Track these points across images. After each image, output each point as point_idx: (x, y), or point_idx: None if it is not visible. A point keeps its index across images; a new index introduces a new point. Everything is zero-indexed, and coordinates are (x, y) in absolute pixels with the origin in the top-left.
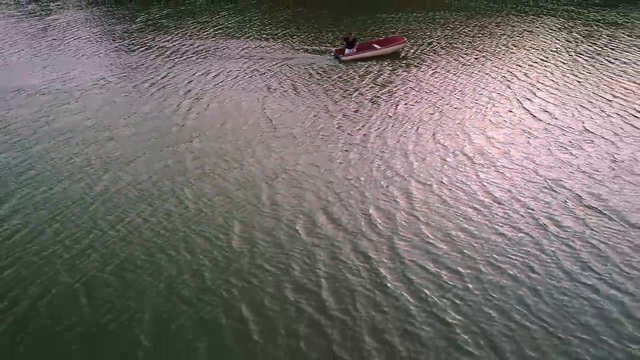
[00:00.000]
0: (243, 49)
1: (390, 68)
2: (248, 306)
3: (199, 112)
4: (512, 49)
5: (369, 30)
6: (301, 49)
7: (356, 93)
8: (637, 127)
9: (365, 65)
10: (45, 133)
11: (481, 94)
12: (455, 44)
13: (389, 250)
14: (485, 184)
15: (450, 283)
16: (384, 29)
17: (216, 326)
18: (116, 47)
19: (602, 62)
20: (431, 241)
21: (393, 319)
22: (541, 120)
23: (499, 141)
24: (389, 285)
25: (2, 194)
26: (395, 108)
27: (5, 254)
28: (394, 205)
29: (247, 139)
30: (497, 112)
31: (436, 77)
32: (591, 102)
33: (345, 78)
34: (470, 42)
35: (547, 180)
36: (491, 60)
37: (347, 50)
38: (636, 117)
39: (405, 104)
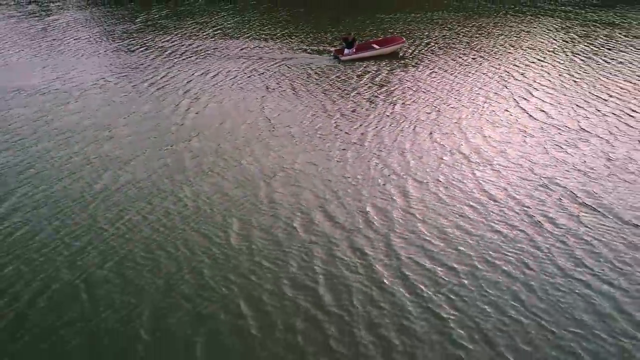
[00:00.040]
0: (242, 49)
1: (388, 68)
2: (246, 302)
3: (197, 111)
4: (509, 49)
5: (367, 30)
6: (300, 49)
7: (354, 93)
8: (632, 126)
9: (364, 65)
10: (45, 132)
11: (478, 94)
12: (453, 44)
13: (386, 247)
14: (481, 182)
15: (446, 279)
16: (383, 29)
17: (215, 321)
18: (116, 47)
19: (598, 62)
20: (427, 238)
21: (389, 314)
22: (537, 120)
23: (496, 140)
24: (385, 281)
25: (2, 193)
26: (393, 107)
27: (6, 251)
28: (391, 203)
29: (246, 138)
30: (494, 111)
31: (434, 77)
32: (587, 101)
33: (344, 78)
34: (467, 42)
35: (543, 178)
36: (488, 60)
37: (346, 50)
38: (631, 116)
39: (403, 103)
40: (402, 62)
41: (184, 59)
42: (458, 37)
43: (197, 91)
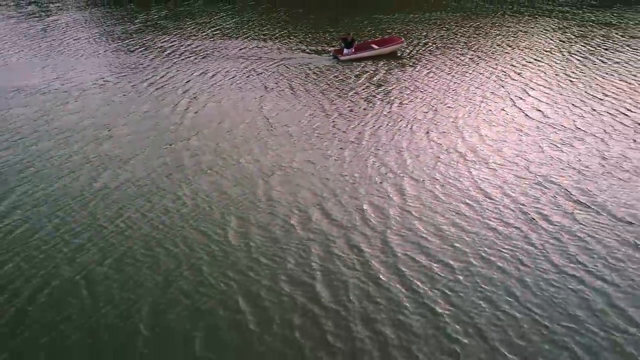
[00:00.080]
0: (241, 50)
1: (387, 68)
2: (244, 297)
3: (196, 111)
4: (506, 49)
5: (365, 31)
6: (299, 49)
7: (352, 92)
8: (627, 125)
9: (363, 65)
10: (45, 132)
11: (475, 93)
12: (451, 44)
13: (382, 244)
14: (477, 180)
15: (441, 275)
16: (382, 30)
17: (213, 317)
18: (115, 47)
19: (594, 62)
20: (423, 235)
21: (385, 310)
22: (533, 119)
23: (492, 139)
24: (381, 277)
25: (3, 191)
26: (391, 107)
27: (6, 248)
28: (388, 201)
29: (244, 137)
30: (490, 110)
31: (432, 77)
32: (583, 100)
33: (342, 78)
34: (465, 43)
35: (538, 176)
36: (485, 60)
37: (345, 50)
38: (626, 115)
39: (401, 102)
40: (401, 62)
41: (183, 59)
42: (456, 37)
43: (196, 91)
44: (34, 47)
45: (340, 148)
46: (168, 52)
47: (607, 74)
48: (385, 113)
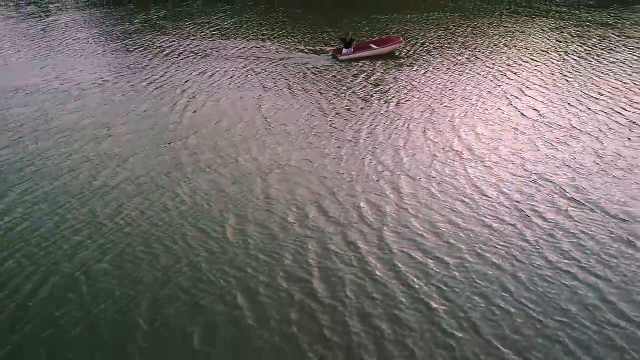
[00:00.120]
0: (240, 50)
1: (385, 68)
2: (242, 293)
3: (195, 110)
4: (503, 49)
5: (364, 31)
6: (298, 49)
7: (350, 92)
8: (621, 124)
9: (361, 65)
10: (45, 131)
11: (472, 93)
12: (449, 44)
13: (379, 240)
14: (473, 178)
15: (437, 271)
16: (380, 30)
17: (212, 312)
18: (114, 47)
19: (591, 61)
20: (420, 232)
21: (382, 305)
22: (529, 118)
23: (488, 137)
24: (378, 273)
25: (4, 189)
26: (388, 106)
27: (7, 245)
28: (384, 198)
29: (243, 136)
30: (487, 109)
31: (429, 76)
32: (578, 100)
33: (341, 77)
34: (463, 43)
35: (533, 174)
36: (483, 60)
37: (344, 50)
38: (621, 114)
39: (398, 102)
40: (399, 62)
41: (182, 59)
42: (454, 37)
43: (195, 91)
44: (34, 47)
45: (338, 147)
46: (167, 52)
47: (603, 73)
48: (382, 112)
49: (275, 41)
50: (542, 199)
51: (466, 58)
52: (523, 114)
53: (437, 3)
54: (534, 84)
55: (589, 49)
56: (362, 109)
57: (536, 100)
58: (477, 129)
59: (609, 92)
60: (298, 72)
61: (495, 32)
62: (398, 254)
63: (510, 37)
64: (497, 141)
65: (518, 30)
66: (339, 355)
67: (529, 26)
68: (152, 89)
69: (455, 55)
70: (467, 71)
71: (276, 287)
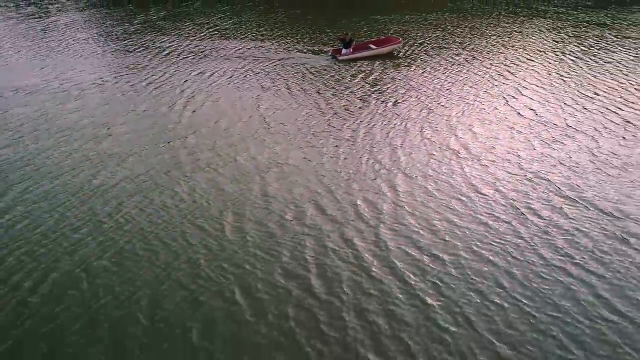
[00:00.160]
0: (239, 50)
1: (383, 67)
2: (240, 289)
3: (194, 110)
4: (501, 49)
5: (362, 31)
6: (297, 49)
7: (349, 91)
8: (616, 123)
9: (360, 65)
10: (45, 130)
11: (469, 92)
12: (447, 44)
13: (376, 238)
14: (469, 176)
15: (433, 267)
16: (379, 30)
17: (210, 307)
18: (114, 48)
19: (587, 61)
20: (416, 229)
21: (378, 301)
22: (525, 117)
23: (484, 136)
24: (374, 269)
25: (4, 187)
26: (386, 105)
27: (8, 242)
28: (381, 196)
29: (241, 135)
30: (484, 109)
31: (427, 76)
32: (574, 99)
33: (339, 77)
34: (460, 43)
35: (529, 172)
36: (480, 60)
37: (343, 50)
38: (616, 113)
39: (396, 101)
40: (397, 61)
41: (181, 59)
42: (452, 37)
43: (194, 90)
44: (34, 48)
45: (336, 146)
46: (166, 52)
47: (599, 73)
48: (380, 111)
49: (274, 41)
50: (537, 196)
51: (464, 58)
52: (519, 113)
53: (435, 4)
54: (531, 84)
55: (585, 49)
56: (360, 108)
57: (532, 99)
58: (473, 128)
59: (604, 92)
60: (297, 72)
61: (493, 32)
62: (394, 251)
63: (507, 37)
64: (494, 140)
65: (515, 31)
66: (336, 350)
67: (527, 26)
68: (151, 89)
69: (453, 55)
70: (465, 71)
71: (274, 283)
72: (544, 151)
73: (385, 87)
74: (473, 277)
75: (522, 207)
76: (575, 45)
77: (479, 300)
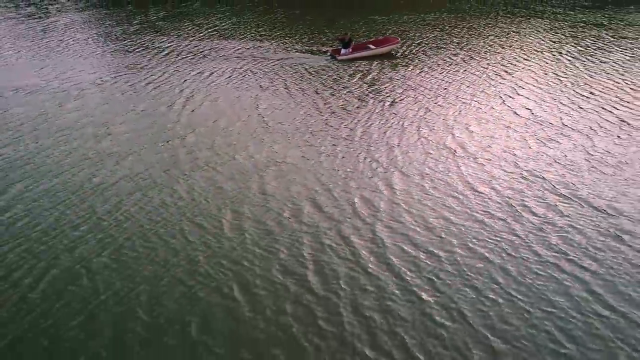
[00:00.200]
0: (238, 50)
1: (381, 67)
2: (239, 286)
3: (193, 109)
4: (498, 49)
5: (361, 31)
6: (296, 49)
7: (347, 91)
8: (612, 122)
9: (358, 65)
10: (45, 130)
11: (466, 92)
12: (445, 44)
13: (372, 235)
14: (465, 174)
15: (429, 264)
16: (377, 30)
17: (209, 304)
18: (114, 48)
19: (584, 61)
20: (412, 227)
21: (375, 297)
22: (521, 116)
23: (481, 135)
24: (371, 266)
25: (5, 186)
26: (383, 105)
27: (8, 239)
28: (378, 194)
29: (240, 134)
30: (480, 108)
31: (424, 76)
32: (570, 98)
33: (338, 77)
34: (458, 43)
35: (524, 171)
36: (477, 60)
37: (343, 50)
38: (612, 112)
39: (393, 101)
40: (395, 61)
41: (180, 60)
42: (449, 37)
43: (193, 90)
44: (34, 48)
45: (333, 144)
46: (166, 52)
47: (595, 73)
48: (378, 111)
49: (274, 41)
50: (532, 194)
51: (461, 58)
52: (516, 113)
53: (434, 4)
54: (527, 83)
55: (582, 49)
56: (358, 107)
57: (529, 99)
58: (470, 127)
59: (600, 91)
60: (295, 72)
61: (491, 33)
62: (391, 248)
63: (505, 37)
64: (490, 139)
65: (513, 31)
66: (333, 344)
67: (524, 27)
68: (150, 89)
69: (451, 55)
70: (462, 71)
71: (272, 279)
72: (540, 150)
73: (384, 86)
74: (468, 274)
75: (518, 205)
76: (572, 46)
77: (474, 296)
